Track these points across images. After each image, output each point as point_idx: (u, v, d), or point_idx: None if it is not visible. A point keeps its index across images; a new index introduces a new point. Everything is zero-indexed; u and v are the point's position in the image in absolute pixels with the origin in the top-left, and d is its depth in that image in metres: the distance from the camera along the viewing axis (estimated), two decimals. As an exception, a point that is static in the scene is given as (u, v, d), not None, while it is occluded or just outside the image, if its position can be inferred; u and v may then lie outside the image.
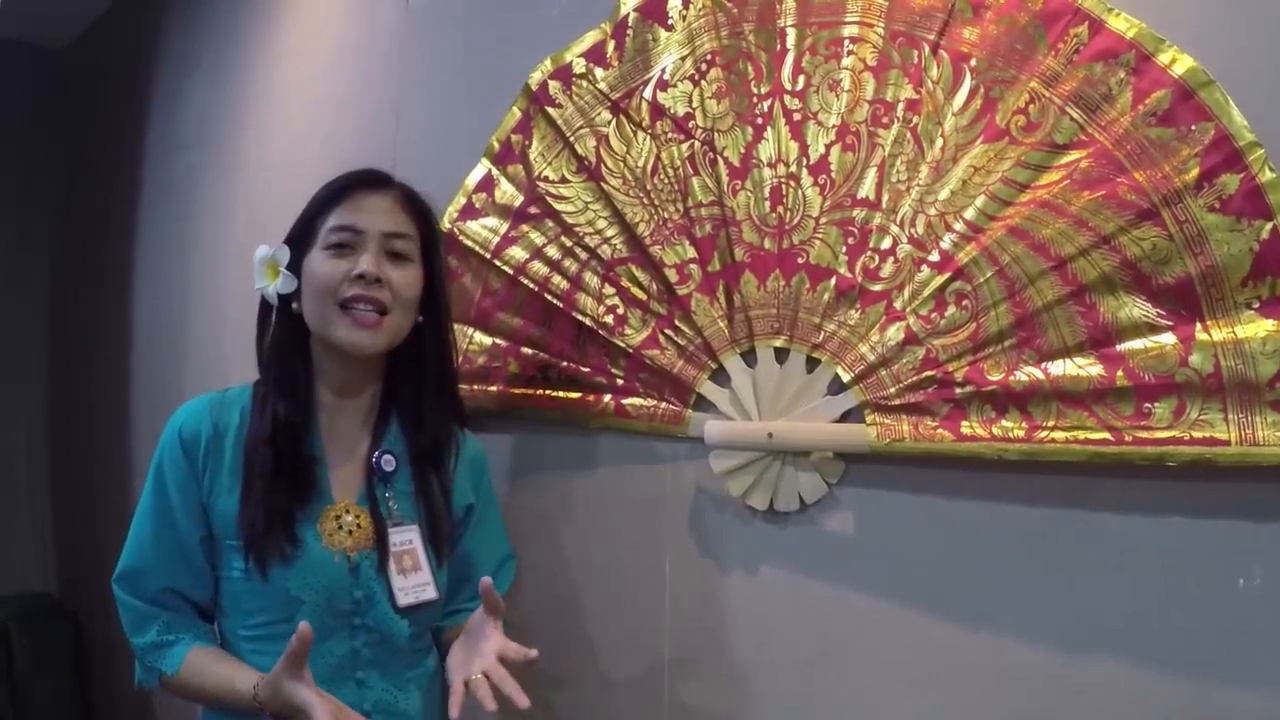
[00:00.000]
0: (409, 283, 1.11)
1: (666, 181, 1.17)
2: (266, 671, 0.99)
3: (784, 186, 1.07)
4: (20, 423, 3.35)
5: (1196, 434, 0.81)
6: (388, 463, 1.13)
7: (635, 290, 1.20)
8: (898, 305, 0.99)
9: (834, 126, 1.04)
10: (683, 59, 1.16)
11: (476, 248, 1.34)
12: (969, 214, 0.94)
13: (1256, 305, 0.79)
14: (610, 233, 1.22)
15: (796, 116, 1.07)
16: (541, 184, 1.28)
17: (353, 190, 1.11)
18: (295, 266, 1.10)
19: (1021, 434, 0.90)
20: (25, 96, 3.38)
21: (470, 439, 1.24)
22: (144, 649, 1.07)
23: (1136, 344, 0.85)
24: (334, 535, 1.08)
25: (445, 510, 1.15)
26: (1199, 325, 0.82)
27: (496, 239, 1.33)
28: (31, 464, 3.37)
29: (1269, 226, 0.78)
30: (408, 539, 1.11)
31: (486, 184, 1.36)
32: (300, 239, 1.12)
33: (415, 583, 1.10)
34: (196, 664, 1.06)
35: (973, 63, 0.96)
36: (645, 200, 1.18)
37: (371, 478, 1.12)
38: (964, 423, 0.94)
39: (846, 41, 1.04)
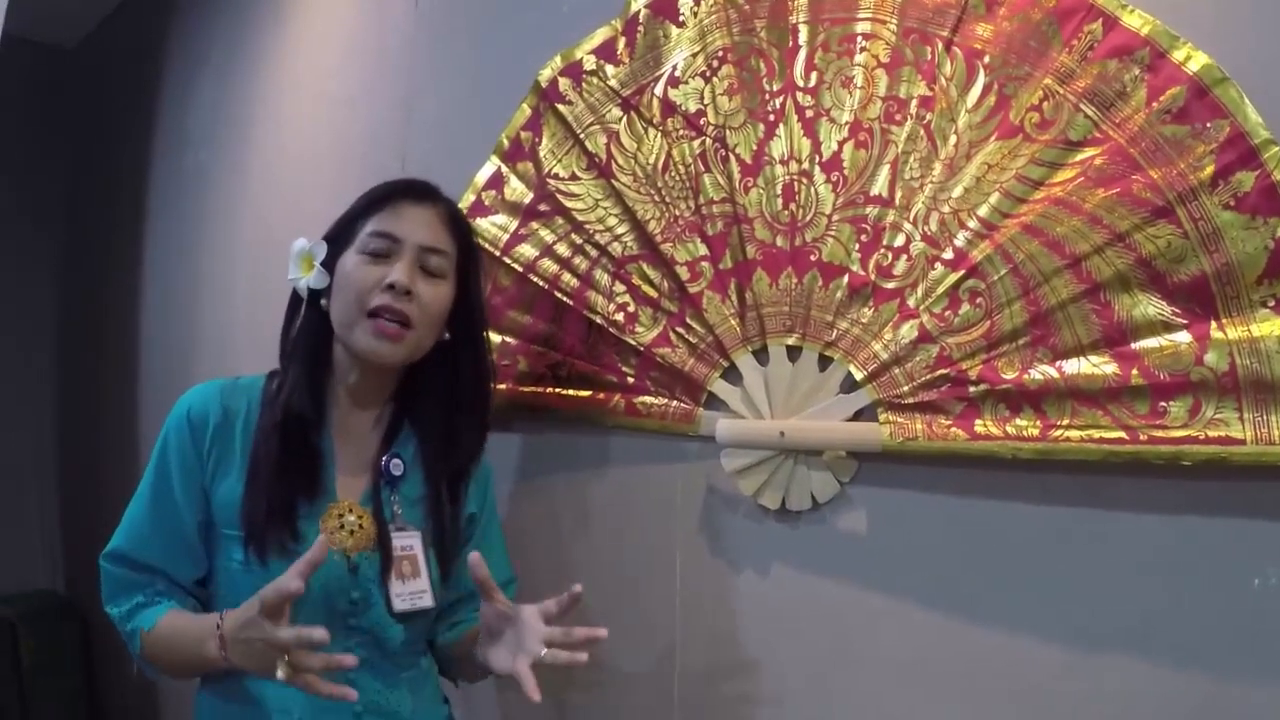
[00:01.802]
0: (438, 299, 1.10)
1: (678, 179, 1.16)
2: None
3: (796, 184, 1.07)
4: (28, 421, 3.35)
5: (1212, 433, 0.81)
6: (396, 467, 1.12)
7: (646, 288, 1.20)
8: (911, 303, 0.99)
9: (847, 123, 1.04)
10: (694, 55, 1.16)
11: (486, 245, 1.34)
12: (983, 211, 0.94)
13: (1272, 303, 0.79)
14: (621, 230, 1.22)
15: (809, 113, 1.07)
16: (551, 181, 1.28)
17: (397, 198, 1.11)
18: (330, 264, 1.11)
19: (1036, 433, 0.90)
20: (34, 95, 3.39)
21: None
22: (125, 614, 1.05)
23: (1151, 342, 0.85)
24: (335, 534, 1.07)
25: (453, 522, 1.14)
26: (1214, 323, 0.82)
27: (506, 236, 1.33)
28: (39, 462, 3.38)
29: (1286, 224, 0.78)
30: (409, 544, 1.10)
31: (496, 181, 1.36)
32: (338, 238, 1.12)
33: (413, 589, 1.09)
34: (171, 619, 1.04)
35: (986, 59, 0.96)
36: (656, 197, 1.18)
37: (378, 480, 1.12)
38: (978, 421, 0.94)
39: (859, 38, 1.04)
